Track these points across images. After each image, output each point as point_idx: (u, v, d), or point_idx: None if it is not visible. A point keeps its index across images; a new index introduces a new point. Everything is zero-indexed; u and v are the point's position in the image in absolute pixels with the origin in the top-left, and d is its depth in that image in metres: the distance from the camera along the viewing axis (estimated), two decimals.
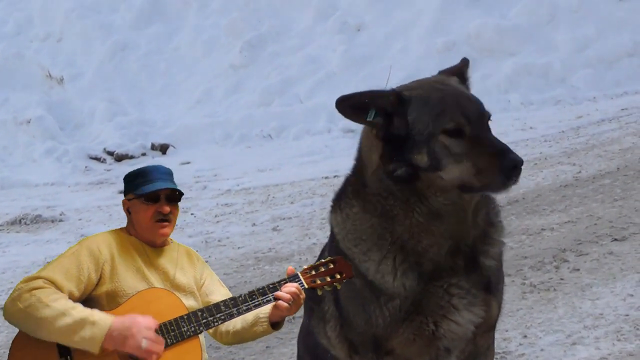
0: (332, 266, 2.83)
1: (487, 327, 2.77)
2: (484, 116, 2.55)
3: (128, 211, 3.23)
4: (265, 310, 3.01)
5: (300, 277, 2.94)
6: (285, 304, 2.90)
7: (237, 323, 3.13)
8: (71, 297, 2.92)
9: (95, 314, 2.83)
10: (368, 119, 2.54)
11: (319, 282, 2.88)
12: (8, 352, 2.91)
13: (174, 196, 3.22)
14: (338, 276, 2.81)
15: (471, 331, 2.67)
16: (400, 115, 2.53)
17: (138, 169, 3.30)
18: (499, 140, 2.49)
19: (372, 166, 2.62)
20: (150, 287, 3.06)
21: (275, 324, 3.05)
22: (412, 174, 2.51)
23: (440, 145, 2.46)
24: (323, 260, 2.87)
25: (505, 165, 2.40)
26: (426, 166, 2.48)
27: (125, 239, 3.19)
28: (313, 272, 2.91)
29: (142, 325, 2.81)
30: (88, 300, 3.00)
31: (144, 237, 3.19)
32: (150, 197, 3.16)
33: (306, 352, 3.13)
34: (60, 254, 3.11)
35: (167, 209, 3.17)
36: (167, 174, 3.25)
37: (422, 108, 2.51)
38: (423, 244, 2.59)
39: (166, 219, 3.17)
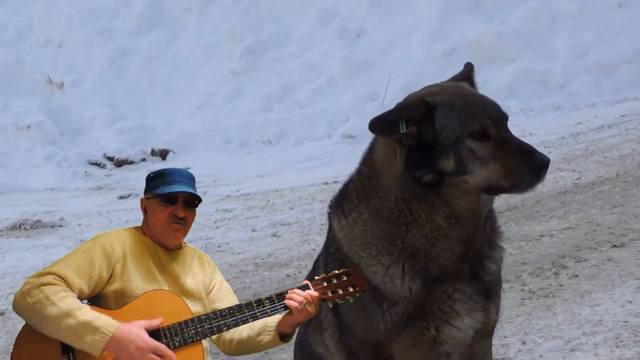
0: (345, 278, 2.72)
1: (486, 333, 2.78)
2: (505, 118, 2.59)
3: (145, 210, 3.21)
4: (274, 319, 2.95)
5: (311, 287, 2.81)
6: (295, 304, 2.79)
7: (243, 331, 3.06)
8: (81, 294, 2.90)
9: (100, 319, 2.77)
10: (402, 132, 2.54)
11: (330, 294, 2.75)
12: (12, 347, 2.91)
13: (192, 201, 3.18)
14: (351, 289, 2.69)
15: (471, 336, 2.68)
16: (428, 122, 2.53)
17: (160, 170, 3.26)
18: (523, 141, 2.54)
19: (395, 172, 2.60)
20: (158, 288, 3.03)
21: (283, 336, 2.96)
22: (439, 179, 2.52)
23: (467, 149, 2.49)
24: (336, 272, 2.74)
25: (534, 165, 2.45)
26: (452, 171, 2.50)
27: (140, 238, 3.15)
28: (325, 284, 2.78)
29: (147, 348, 2.76)
30: (96, 297, 2.98)
31: (157, 238, 3.16)
32: (168, 198, 3.13)
33: None
34: (73, 249, 3.09)
35: (182, 212, 3.13)
36: (189, 178, 3.22)
37: (449, 113, 2.53)
38: (438, 247, 2.60)
39: (180, 223, 3.14)
